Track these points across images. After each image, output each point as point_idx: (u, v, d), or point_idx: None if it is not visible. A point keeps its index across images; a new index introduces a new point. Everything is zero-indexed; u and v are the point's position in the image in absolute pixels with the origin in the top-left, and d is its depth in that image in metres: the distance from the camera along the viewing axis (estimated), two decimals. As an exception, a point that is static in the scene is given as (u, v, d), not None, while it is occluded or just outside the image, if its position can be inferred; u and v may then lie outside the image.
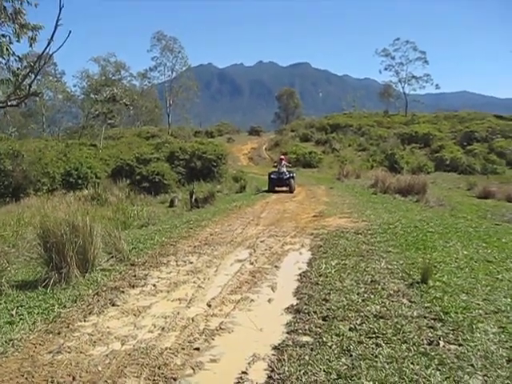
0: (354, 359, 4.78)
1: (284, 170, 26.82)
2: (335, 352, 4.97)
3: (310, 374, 4.51)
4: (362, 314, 6.08)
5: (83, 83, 57.59)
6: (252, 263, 9.18)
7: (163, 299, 7.13)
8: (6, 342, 5.53)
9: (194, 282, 7.95)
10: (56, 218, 8.53)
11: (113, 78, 56.01)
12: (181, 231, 13.17)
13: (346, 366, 4.63)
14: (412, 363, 4.67)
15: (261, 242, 11.31)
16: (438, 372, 4.50)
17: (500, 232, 12.37)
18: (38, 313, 6.53)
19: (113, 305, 6.89)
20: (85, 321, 6.27)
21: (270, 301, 6.96)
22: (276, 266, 8.95)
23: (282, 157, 29.85)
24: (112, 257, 9.26)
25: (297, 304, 6.63)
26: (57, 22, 8.75)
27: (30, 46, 11.58)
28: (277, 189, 26.31)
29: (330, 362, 4.74)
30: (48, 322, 6.22)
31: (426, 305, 6.40)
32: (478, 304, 6.46)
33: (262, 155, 61.32)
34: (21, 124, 60.21)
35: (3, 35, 11.69)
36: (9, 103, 9.40)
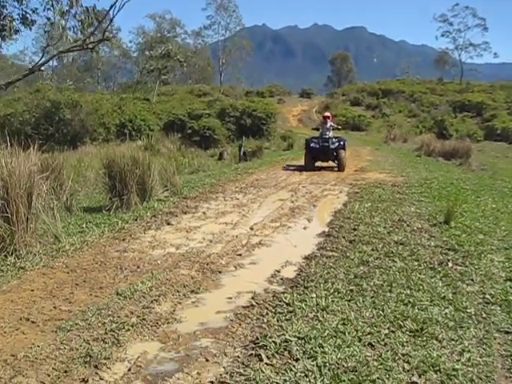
0: (371, 268, 5.69)
1: (330, 134, 17.18)
2: (355, 262, 5.89)
3: (331, 273, 5.45)
4: (384, 241, 6.94)
5: (139, 39, 58.90)
6: (292, 202, 10.13)
7: (211, 222, 8.19)
8: (81, 242, 6.66)
9: (239, 213, 8.97)
10: (119, 151, 9.60)
11: (168, 35, 56.98)
12: (229, 176, 14.20)
13: (362, 271, 5.55)
14: (419, 273, 5.54)
15: (302, 187, 12.23)
16: (440, 281, 5.34)
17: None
18: (104, 226, 7.67)
19: (168, 224, 7.97)
20: (144, 233, 7.37)
21: (305, 228, 7.95)
22: (314, 205, 9.88)
23: (327, 114, 18.82)
24: (167, 189, 10.32)
25: (328, 231, 7.57)
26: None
27: (98, -1, 12.60)
28: (318, 165, 17.21)
29: (350, 268, 5.67)
30: (114, 232, 7.35)
31: (444, 239, 7.19)
32: (492, 242, 7.17)
33: (312, 117, 61.58)
34: (77, 78, 61.91)
35: (73, -13, 12.77)
36: (85, 47, 10.45)
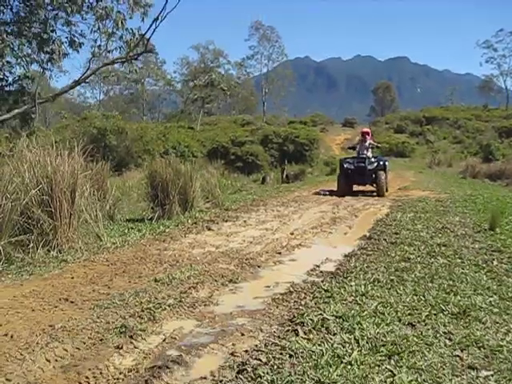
0: (412, 263, 5.58)
1: (369, 154, 15.21)
2: (396, 259, 5.79)
3: (372, 267, 5.37)
4: (427, 243, 6.79)
5: (183, 70, 60.13)
6: (334, 213, 10.07)
7: (252, 228, 8.21)
8: (122, 241, 6.76)
9: (280, 221, 8.96)
10: (161, 161, 9.75)
11: (211, 65, 57.96)
12: (271, 193, 14.31)
13: (403, 266, 5.44)
14: (463, 269, 5.39)
15: (344, 201, 12.15)
16: (484, 276, 5.18)
17: None
18: (146, 230, 7.76)
19: (209, 229, 8.03)
20: (185, 236, 7.44)
21: (345, 233, 7.88)
22: (355, 216, 9.80)
23: (366, 130, 16.82)
24: (208, 201, 10.42)
25: (369, 235, 7.48)
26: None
27: (142, 20, 13.00)
28: (355, 189, 15.20)
29: (390, 263, 5.57)
30: (155, 234, 7.45)
31: (488, 242, 6.99)
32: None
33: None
34: (123, 109, 63.43)
35: (119, 11, 13.22)
36: (128, 58, 10.79)
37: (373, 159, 14.59)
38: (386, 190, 14.36)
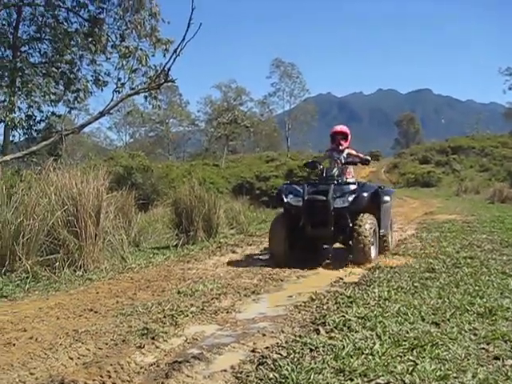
0: (437, 273, 5.52)
1: (347, 175, 7.89)
2: (421, 270, 5.75)
3: (396, 277, 5.33)
4: (453, 256, 6.72)
5: (206, 109, 61.09)
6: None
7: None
8: (147, 263, 6.83)
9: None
10: (185, 189, 9.85)
11: (234, 103, 58.83)
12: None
13: (427, 276, 5.38)
14: (489, 276, 5.31)
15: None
16: (512, 281, 5.10)
17: None
18: (170, 253, 7.81)
19: (233, 252, 8.05)
20: (209, 258, 7.46)
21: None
22: (380, 236, 9.72)
23: (341, 129, 8.20)
24: (233, 227, 10.46)
25: (394, 252, 7.43)
26: (189, 21, 10.33)
27: (164, 56, 13.33)
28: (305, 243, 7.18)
29: (414, 273, 5.53)
30: (179, 256, 7.51)
31: (517, 256, 6.89)
32: None
33: (380, 177, 61.42)
34: (148, 150, 64.44)
35: (141, 49, 13.60)
36: (150, 88, 11.09)
37: (351, 186, 7.04)
38: (385, 250, 7.43)
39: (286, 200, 7.01)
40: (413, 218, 14.36)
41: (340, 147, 7.91)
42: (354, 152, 8.02)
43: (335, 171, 7.50)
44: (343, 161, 7.72)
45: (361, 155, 8.06)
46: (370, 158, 8.19)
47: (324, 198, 6.66)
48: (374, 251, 6.73)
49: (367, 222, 6.66)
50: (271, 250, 7.08)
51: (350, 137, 8.09)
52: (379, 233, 7.07)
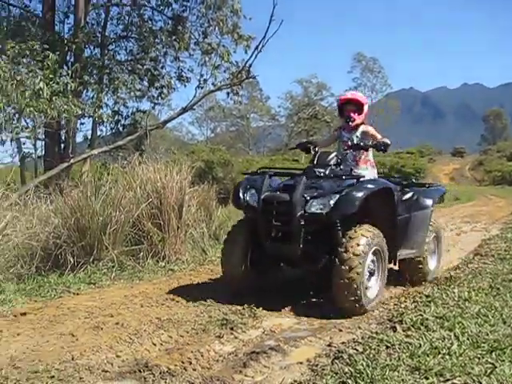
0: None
1: (361, 165, 5.29)
2: (504, 271, 5.59)
3: (477, 277, 5.25)
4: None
5: (287, 104, 61.10)
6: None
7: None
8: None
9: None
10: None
11: (314, 98, 58.53)
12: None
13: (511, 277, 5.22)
14: None
15: (451, 224, 11.78)
16: None
17: None
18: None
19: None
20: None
21: (448, 251, 7.63)
22: (457, 234, 9.65)
23: (353, 95, 5.62)
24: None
25: (476, 250, 7.41)
26: (271, 17, 10.46)
27: (245, 52, 13.50)
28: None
29: (497, 275, 5.39)
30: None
31: None
32: None
33: (465, 175, 59.65)
34: (229, 144, 65.29)
35: (223, 45, 13.82)
36: (232, 84, 11.36)
37: (349, 180, 4.59)
38: (420, 279, 5.40)
39: (242, 198, 4.77)
40: (498, 218, 13.89)
41: (350, 123, 5.31)
42: (371, 130, 5.38)
43: (333, 156, 4.94)
44: (355, 141, 5.27)
45: (378, 136, 5.26)
46: (389, 142, 5.19)
47: (287, 198, 4.40)
48: (372, 290, 4.37)
49: (360, 240, 4.17)
50: (225, 272, 4.91)
51: (366, 108, 5.41)
52: (396, 256, 4.89)
